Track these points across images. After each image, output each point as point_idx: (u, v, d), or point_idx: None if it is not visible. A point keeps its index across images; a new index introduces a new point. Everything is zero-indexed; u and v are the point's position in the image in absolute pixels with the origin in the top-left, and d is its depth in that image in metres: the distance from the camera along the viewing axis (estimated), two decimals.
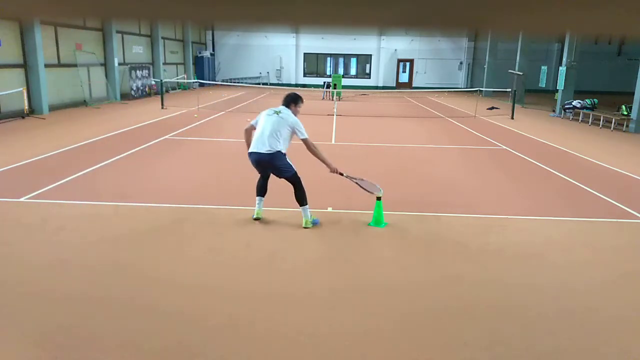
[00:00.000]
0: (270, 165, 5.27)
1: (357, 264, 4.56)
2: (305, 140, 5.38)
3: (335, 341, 3.29)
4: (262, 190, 5.52)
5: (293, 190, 5.33)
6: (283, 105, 5.43)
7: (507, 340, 3.33)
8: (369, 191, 5.59)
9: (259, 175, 5.55)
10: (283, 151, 5.24)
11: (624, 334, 3.47)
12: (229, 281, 4.15)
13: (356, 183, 5.65)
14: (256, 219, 5.49)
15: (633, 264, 4.73)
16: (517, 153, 10.08)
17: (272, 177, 5.49)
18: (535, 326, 3.51)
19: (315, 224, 5.40)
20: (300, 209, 5.37)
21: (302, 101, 5.64)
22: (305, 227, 5.33)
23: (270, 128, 5.20)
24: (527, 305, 3.82)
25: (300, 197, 5.34)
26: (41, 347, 3.14)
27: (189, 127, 12.70)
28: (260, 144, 5.19)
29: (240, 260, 4.59)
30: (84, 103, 16.88)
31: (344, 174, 5.57)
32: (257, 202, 5.53)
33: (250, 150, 5.30)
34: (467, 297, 3.94)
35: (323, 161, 5.44)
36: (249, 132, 5.46)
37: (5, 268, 4.27)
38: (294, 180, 5.32)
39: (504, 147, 10.83)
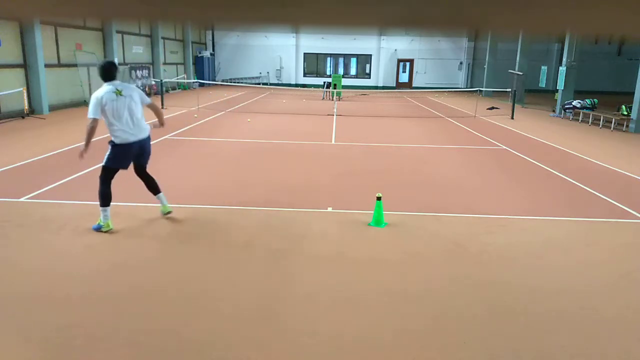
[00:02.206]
0: (147, 149, 5.14)
1: (357, 264, 4.56)
2: (152, 105, 5.22)
3: (335, 341, 3.29)
4: (110, 198, 5.02)
5: (146, 181, 5.32)
6: (111, 80, 4.85)
7: (507, 341, 3.33)
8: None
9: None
10: None
11: (624, 334, 3.47)
12: (228, 281, 4.15)
13: None
14: (107, 231, 5.01)
15: (633, 264, 4.73)
16: (517, 153, 10.08)
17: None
18: (535, 326, 3.51)
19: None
20: (159, 196, 5.38)
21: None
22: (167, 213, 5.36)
23: (132, 111, 4.85)
24: (527, 305, 3.82)
25: (156, 185, 5.34)
26: (41, 347, 3.14)
27: (189, 127, 12.70)
28: (137, 131, 4.92)
29: (239, 260, 4.59)
30: (84, 103, 16.87)
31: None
32: (106, 212, 5.00)
33: (129, 141, 4.88)
34: (467, 297, 3.94)
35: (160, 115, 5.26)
36: (94, 129, 4.79)
37: (5, 268, 4.27)
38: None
39: (504, 147, 10.83)
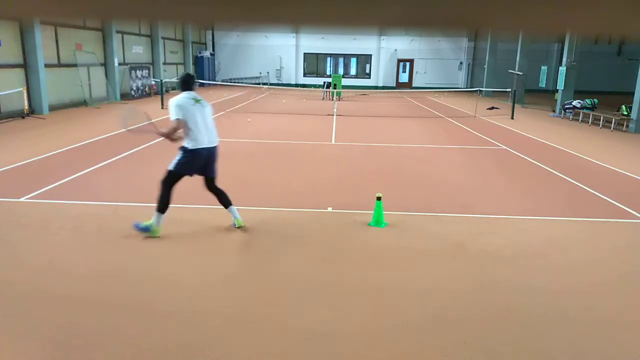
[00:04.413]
0: (215, 159, 5.15)
1: (357, 264, 4.56)
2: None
3: (335, 341, 3.29)
4: (168, 204, 4.95)
5: (217, 196, 5.24)
6: (188, 90, 5.05)
7: (507, 341, 3.33)
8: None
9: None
10: None
11: (624, 334, 3.47)
12: (228, 281, 4.15)
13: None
14: (154, 237, 4.94)
15: (633, 264, 4.73)
16: (517, 153, 10.08)
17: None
18: (535, 326, 3.51)
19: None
20: (230, 209, 5.29)
21: None
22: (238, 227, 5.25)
23: (208, 119, 5.02)
24: (526, 305, 3.82)
25: (227, 199, 5.27)
26: (41, 347, 3.14)
27: None
28: (211, 138, 5.02)
29: (240, 260, 4.59)
30: (84, 103, 16.88)
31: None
32: (159, 218, 4.93)
33: (201, 146, 4.94)
34: (467, 297, 3.94)
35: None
36: (177, 130, 4.95)
37: (5, 268, 4.27)
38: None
39: (504, 147, 10.83)
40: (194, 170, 5.03)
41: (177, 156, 4.98)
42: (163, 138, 5.09)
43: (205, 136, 4.96)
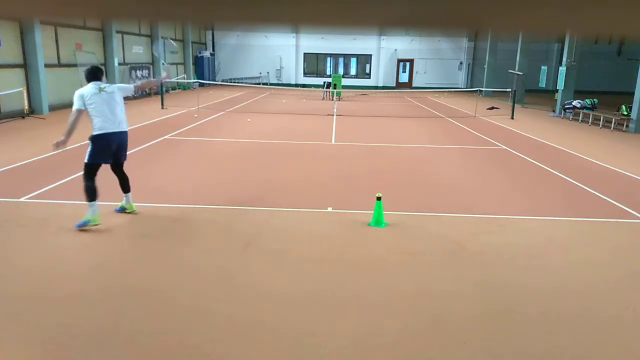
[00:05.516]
0: (124, 145, 5.37)
1: (357, 264, 4.56)
2: (138, 86, 5.89)
3: (335, 341, 3.29)
4: (96, 193, 5.13)
5: (121, 179, 5.51)
6: (95, 80, 5.18)
7: (507, 340, 3.33)
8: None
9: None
10: None
11: (624, 334, 3.47)
12: (228, 281, 4.15)
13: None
14: (95, 225, 5.08)
15: (633, 264, 4.73)
16: (517, 153, 10.08)
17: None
18: (535, 326, 3.51)
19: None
20: (127, 195, 5.58)
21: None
22: (129, 212, 5.57)
23: (115, 107, 5.19)
24: (527, 306, 3.82)
25: (128, 186, 5.57)
26: (41, 347, 3.14)
27: (189, 127, 12.70)
28: (116, 123, 5.19)
29: (239, 260, 4.59)
30: None
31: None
32: (94, 207, 5.07)
33: (106, 131, 5.10)
34: (467, 297, 3.94)
35: None
36: (77, 120, 5.04)
37: (4, 268, 4.27)
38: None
39: (504, 147, 10.83)
40: (108, 156, 5.27)
41: (89, 148, 5.17)
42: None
43: (110, 123, 5.14)
